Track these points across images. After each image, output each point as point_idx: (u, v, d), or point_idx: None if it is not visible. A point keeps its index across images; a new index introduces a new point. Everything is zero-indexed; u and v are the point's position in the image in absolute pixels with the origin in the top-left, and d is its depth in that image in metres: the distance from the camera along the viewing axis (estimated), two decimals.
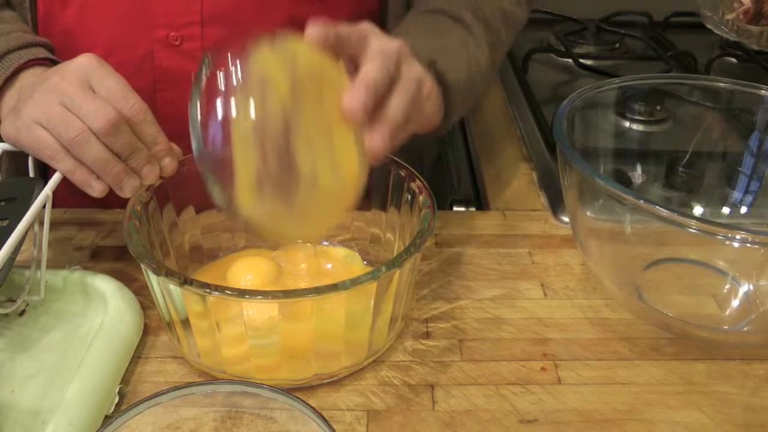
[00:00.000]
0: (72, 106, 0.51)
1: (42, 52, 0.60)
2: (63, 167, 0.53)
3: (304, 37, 0.47)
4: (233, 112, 0.45)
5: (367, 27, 0.51)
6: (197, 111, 0.46)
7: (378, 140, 0.48)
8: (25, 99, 0.54)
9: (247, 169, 0.46)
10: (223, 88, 0.46)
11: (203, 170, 0.46)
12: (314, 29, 0.47)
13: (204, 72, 0.46)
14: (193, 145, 0.46)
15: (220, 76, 0.46)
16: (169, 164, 0.55)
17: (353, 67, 0.50)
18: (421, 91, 0.52)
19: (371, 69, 0.48)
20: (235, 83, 0.46)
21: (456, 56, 0.61)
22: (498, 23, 0.66)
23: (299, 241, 0.60)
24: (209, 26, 0.65)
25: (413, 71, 0.51)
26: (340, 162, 0.48)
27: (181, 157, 0.56)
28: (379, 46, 0.49)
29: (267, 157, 0.46)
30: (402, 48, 0.51)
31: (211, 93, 0.46)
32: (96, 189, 0.53)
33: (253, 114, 0.45)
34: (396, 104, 0.49)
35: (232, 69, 0.46)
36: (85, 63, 0.53)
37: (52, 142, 0.52)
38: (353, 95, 0.46)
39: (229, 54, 0.46)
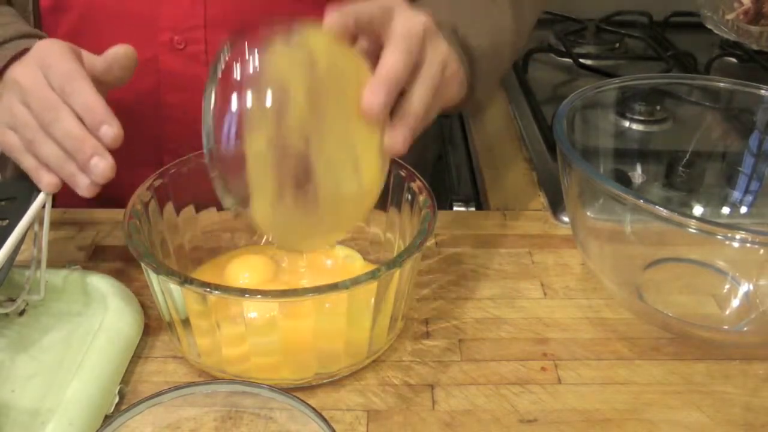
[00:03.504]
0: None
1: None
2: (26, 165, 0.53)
3: (323, 28, 0.45)
4: (247, 124, 0.43)
5: (390, 1, 0.48)
6: (210, 112, 0.43)
7: (399, 139, 0.46)
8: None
9: (264, 186, 0.44)
10: (237, 89, 0.43)
11: (213, 173, 0.44)
12: (334, 18, 0.45)
13: (219, 67, 0.43)
14: (204, 145, 0.44)
15: (236, 73, 0.43)
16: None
17: (376, 46, 0.47)
18: (444, 74, 0.50)
19: (392, 60, 0.45)
20: (249, 84, 0.43)
21: (479, 22, 0.58)
22: None
23: (316, 248, 0.57)
24: (213, 30, 0.65)
25: (438, 52, 0.49)
26: (361, 165, 0.46)
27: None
28: (402, 27, 0.47)
29: (285, 175, 0.44)
30: (427, 25, 0.48)
31: (224, 92, 0.43)
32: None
33: (268, 130, 0.43)
34: (418, 97, 0.47)
35: (248, 66, 0.43)
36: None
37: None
38: (372, 95, 0.44)
39: (245, 48, 0.43)
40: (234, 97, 0.43)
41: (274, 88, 0.43)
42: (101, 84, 0.53)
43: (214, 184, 0.45)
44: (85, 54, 0.55)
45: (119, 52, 0.55)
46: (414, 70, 0.47)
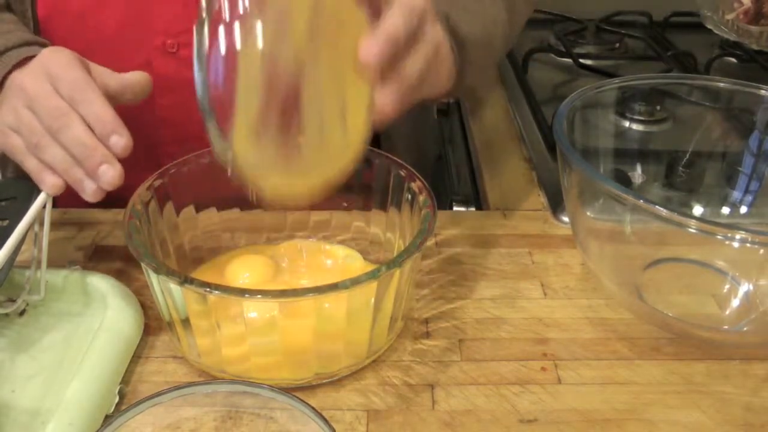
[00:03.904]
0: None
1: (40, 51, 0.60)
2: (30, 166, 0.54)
3: None
4: (242, 43, 0.41)
5: None
6: (204, 39, 0.41)
7: (389, 99, 0.46)
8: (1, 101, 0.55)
9: (249, 110, 0.43)
10: (233, 15, 0.41)
11: (202, 107, 0.42)
12: None
13: (212, 5, 0.42)
14: (196, 78, 0.42)
15: (230, 6, 0.41)
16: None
17: (374, 14, 0.47)
18: (438, 55, 0.51)
19: (396, 21, 0.45)
20: (248, 8, 0.41)
21: (471, 11, 0.59)
22: None
23: (290, 200, 0.53)
24: None
25: (434, 32, 0.50)
26: (347, 114, 0.46)
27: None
28: (405, 1, 0.47)
29: (272, 100, 0.42)
30: (428, 6, 0.49)
31: (217, 31, 0.41)
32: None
33: (263, 47, 0.41)
34: (412, 65, 0.47)
35: None
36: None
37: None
38: (373, 44, 0.44)
39: None
40: (229, 30, 0.41)
41: (275, 9, 0.42)
42: (109, 99, 0.53)
43: (207, 133, 0.43)
44: (98, 68, 0.55)
45: (134, 79, 0.56)
46: (411, 41, 0.47)
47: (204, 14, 0.42)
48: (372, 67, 0.44)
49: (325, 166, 0.48)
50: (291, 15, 0.42)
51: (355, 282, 0.45)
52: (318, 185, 0.48)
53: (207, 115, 0.42)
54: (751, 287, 0.59)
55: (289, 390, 0.41)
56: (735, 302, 0.59)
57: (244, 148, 0.44)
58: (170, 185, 0.56)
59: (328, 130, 0.46)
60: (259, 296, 0.45)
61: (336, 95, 0.45)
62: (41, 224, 0.54)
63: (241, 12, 0.42)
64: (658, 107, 0.78)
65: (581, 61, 0.96)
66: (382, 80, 0.46)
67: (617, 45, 1.07)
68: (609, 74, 0.92)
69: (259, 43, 0.42)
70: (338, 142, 0.47)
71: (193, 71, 0.42)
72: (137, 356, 0.52)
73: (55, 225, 0.61)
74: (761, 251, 0.52)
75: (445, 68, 0.55)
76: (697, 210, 0.69)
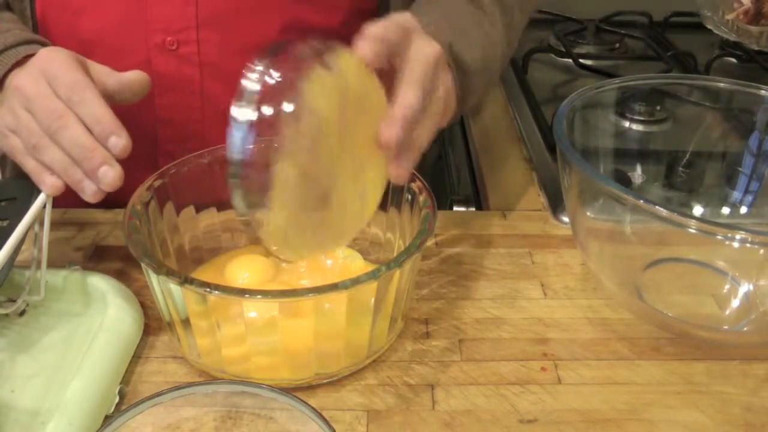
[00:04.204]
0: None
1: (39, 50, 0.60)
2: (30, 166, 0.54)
3: (355, 55, 0.46)
4: (281, 150, 0.43)
5: (408, 22, 0.50)
6: (244, 123, 0.42)
7: (403, 170, 0.48)
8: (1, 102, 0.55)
9: (284, 207, 0.44)
10: (273, 107, 0.42)
11: (233, 181, 0.43)
12: (366, 46, 0.46)
13: (255, 80, 0.42)
14: (230, 154, 0.42)
15: (272, 92, 0.42)
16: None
17: (390, 66, 0.49)
18: (446, 105, 0.53)
19: (410, 96, 0.47)
20: (287, 105, 0.42)
21: (472, 37, 0.60)
22: (512, 1, 0.65)
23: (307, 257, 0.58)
24: (205, 30, 0.65)
25: (444, 83, 0.52)
26: (367, 193, 0.48)
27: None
28: (419, 55, 0.49)
29: (306, 201, 0.45)
30: (440, 55, 0.50)
31: (258, 106, 0.42)
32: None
33: (301, 159, 0.43)
34: (424, 132, 0.50)
35: (285, 86, 0.43)
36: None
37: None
38: (390, 129, 0.46)
39: (282, 66, 0.43)
40: (266, 111, 0.42)
41: (311, 116, 0.43)
42: (107, 98, 0.53)
43: (231, 193, 0.44)
44: (96, 66, 0.55)
45: (133, 77, 0.56)
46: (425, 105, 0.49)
47: (251, 88, 0.42)
48: (391, 149, 0.46)
49: (342, 236, 0.51)
50: (324, 123, 0.43)
51: (355, 282, 0.45)
52: (330, 248, 0.54)
53: (235, 180, 0.43)
54: (751, 287, 0.59)
55: (289, 390, 0.41)
56: (735, 302, 0.59)
57: (276, 232, 0.45)
58: (170, 185, 0.56)
59: (349, 208, 0.48)
60: (259, 296, 0.45)
61: (358, 175, 0.48)
62: (41, 224, 0.54)
63: (282, 105, 0.42)
64: (658, 107, 0.78)
65: (581, 61, 0.97)
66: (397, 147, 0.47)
67: (617, 45, 1.07)
68: (609, 74, 0.92)
69: (297, 155, 0.43)
70: (357, 215, 0.49)
71: (230, 131, 0.42)
72: (137, 356, 0.52)
73: (55, 225, 0.61)
74: (761, 251, 0.52)
75: (451, 108, 0.56)
76: (697, 210, 0.69)
